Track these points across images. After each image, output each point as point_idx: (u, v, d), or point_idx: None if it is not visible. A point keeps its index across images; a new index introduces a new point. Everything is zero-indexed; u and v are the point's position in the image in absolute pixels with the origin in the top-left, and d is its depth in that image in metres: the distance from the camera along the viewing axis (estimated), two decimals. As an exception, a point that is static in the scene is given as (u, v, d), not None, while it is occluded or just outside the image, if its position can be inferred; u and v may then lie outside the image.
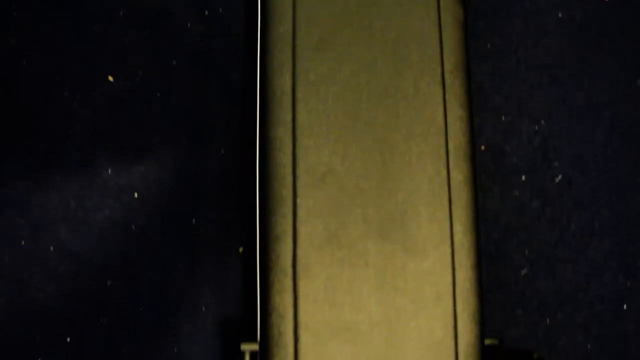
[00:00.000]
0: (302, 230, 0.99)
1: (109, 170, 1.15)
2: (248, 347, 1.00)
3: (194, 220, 1.15)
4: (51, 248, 1.12)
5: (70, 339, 1.10)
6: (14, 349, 1.09)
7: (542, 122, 1.22)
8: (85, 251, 1.12)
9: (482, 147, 1.19)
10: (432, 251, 0.99)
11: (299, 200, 0.99)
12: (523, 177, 1.20)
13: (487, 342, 1.02)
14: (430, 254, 0.99)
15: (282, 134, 1.02)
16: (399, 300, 0.98)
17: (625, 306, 1.18)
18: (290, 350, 0.96)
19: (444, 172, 1.02)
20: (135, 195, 1.15)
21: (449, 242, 1.00)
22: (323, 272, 0.98)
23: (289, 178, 1.00)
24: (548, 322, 1.17)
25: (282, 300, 0.97)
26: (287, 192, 1.00)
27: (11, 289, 1.10)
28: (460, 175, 1.02)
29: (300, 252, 0.98)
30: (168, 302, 1.13)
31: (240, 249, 1.14)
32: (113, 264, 1.13)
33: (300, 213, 0.99)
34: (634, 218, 1.20)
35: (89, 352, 1.11)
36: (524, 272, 1.18)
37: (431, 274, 0.99)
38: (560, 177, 1.20)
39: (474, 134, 1.05)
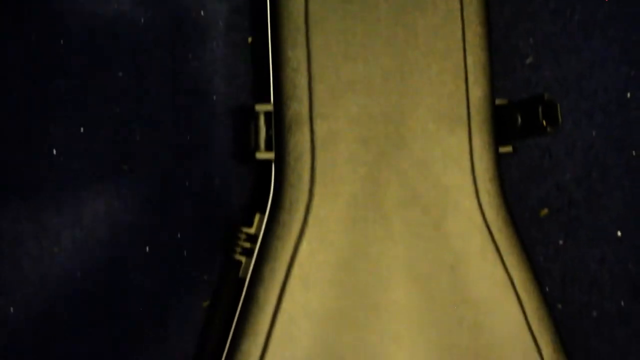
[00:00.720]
0: (314, -13, 0.99)
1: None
2: (262, 108, 1.01)
3: (202, 12, 1.15)
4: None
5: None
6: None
7: None
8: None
9: (486, -58, 1.20)
10: (441, 7, 1.01)
11: (309, -42, 1.00)
12: (527, -30, 1.21)
13: (497, 102, 1.03)
14: (439, 10, 1.00)
15: None
16: (411, 53, 0.99)
17: (628, 94, 1.20)
18: (305, 102, 0.98)
19: None
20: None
21: (458, -1, 1.01)
22: (336, 27, 0.99)
23: (298, -62, 1.00)
24: (554, 108, 1.18)
25: (296, 54, 0.98)
26: (297, -49, 1.00)
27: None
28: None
29: (312, 7, 0.99)
30: (179, 91, 1.14)
31: (250, 39, 1.15)
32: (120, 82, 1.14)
33: (311, -30, 1.00)
34: (637, 8, 1.21)
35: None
36: (529, 60, 1.19)
37: (441, 28, 1.00)
38: (563, -31, 1.21)
39: None
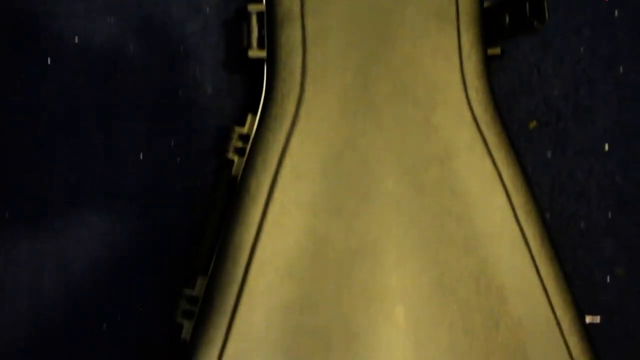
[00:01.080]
0: None
1: None
2: (254, 8, 1.02)
3: None
4: None
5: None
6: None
7: None
8: None
9: None
10: None
11: None
12: None
13: (485, 5, 1.05)
14: None
15: None
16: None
17: (616, 12, 1.22)
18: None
19: None
20: None
21: None
22: None
23: None
24: (541, 24, 1.20)
25: (287, -48, 0.99)
26: None
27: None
28: None
29: None
30: (172, 2, 1.15)
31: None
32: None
33: None
34: None
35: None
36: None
37: None
38: None
39: None
